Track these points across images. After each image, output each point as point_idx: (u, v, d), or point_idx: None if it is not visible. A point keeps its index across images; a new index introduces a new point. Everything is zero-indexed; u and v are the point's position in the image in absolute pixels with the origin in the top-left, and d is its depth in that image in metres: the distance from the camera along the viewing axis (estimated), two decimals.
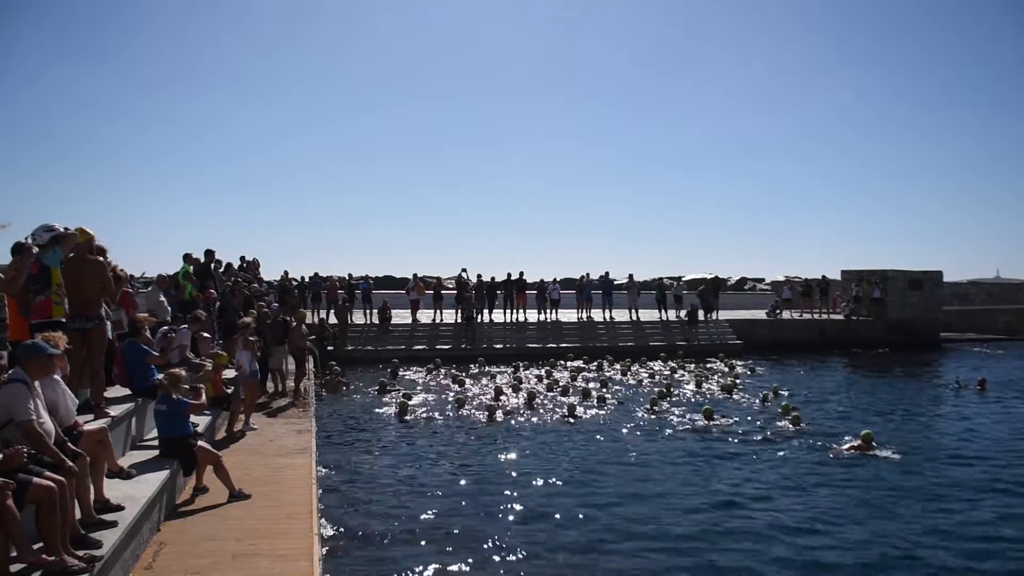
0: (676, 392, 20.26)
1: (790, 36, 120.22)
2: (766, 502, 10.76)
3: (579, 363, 25.38)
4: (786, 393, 20.01)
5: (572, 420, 16.52)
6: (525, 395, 19.16)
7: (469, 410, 17.54)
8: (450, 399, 18.80)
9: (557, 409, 17.68)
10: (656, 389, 20.29)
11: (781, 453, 13.69)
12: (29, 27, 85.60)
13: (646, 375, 23.81)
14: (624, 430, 15.63)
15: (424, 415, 17.16)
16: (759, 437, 14.97)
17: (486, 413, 16.91)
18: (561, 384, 20.88)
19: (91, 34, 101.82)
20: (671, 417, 16.92)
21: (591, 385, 21.07)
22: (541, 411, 17.60)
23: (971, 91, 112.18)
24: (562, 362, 25.68)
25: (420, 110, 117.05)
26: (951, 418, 17.64)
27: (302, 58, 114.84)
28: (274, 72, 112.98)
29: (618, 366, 25.18)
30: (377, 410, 17.84)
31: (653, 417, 16.94)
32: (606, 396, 19.16)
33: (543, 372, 23.32)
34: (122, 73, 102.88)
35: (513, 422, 16.41)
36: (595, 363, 25.83)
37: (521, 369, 24.11)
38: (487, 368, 24.61)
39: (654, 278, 46.01)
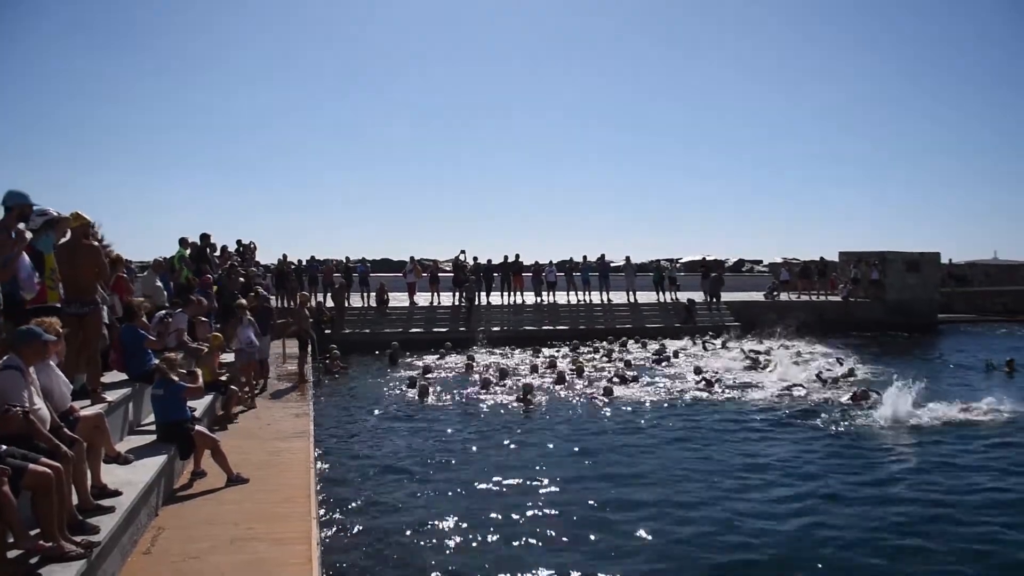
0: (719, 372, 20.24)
1: (795, 16, 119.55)
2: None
3: (604, 344, 25.74)
4: (860, 371, 20.10)
5: (607, 400, 16.49)
6: (551, 375, 19.28)
7: (478, 392, 17.55)
8: (461, 382, 18.91)
9: (586, 390, 17.71)
10: (703, 372, 19.83)
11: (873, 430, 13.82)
12: (30, 16, 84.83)
13: (668, 352, 23.78)
14: (668, 417, 15.36)
15: (436, 398, 17.13)
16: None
17: (495, 395, 17.04)
18: (581, 362, 21.02)
19: (87, 19, 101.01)
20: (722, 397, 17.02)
21: (620, 364, 21.42)
22: (569, 393, 17.59)
23: (970, 73, 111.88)
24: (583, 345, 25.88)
25: (418, 93, 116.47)
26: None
27: (298, 39, 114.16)
28: (270, 55, 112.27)
29: (633, 345, 25.58)
30: (377, 393, 17.87)
31: (698, 399, 16.90)
32: (632, 376, 19.15)
33: (570, 353, 23.49)
34: (118, 58, 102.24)
35: (523, 405, 16.30)
36: (616, 343, 26.02)
37: (543, 352, 23.97)
38: (508, 349, 24.86)
39: (651, 260, 45.98)
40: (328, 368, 20.38)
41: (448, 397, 17.17)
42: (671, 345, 25.20)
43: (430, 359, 22.87)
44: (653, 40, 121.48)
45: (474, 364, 21.47)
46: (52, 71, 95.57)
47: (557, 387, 18.16)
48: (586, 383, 18.75)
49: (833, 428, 14.07)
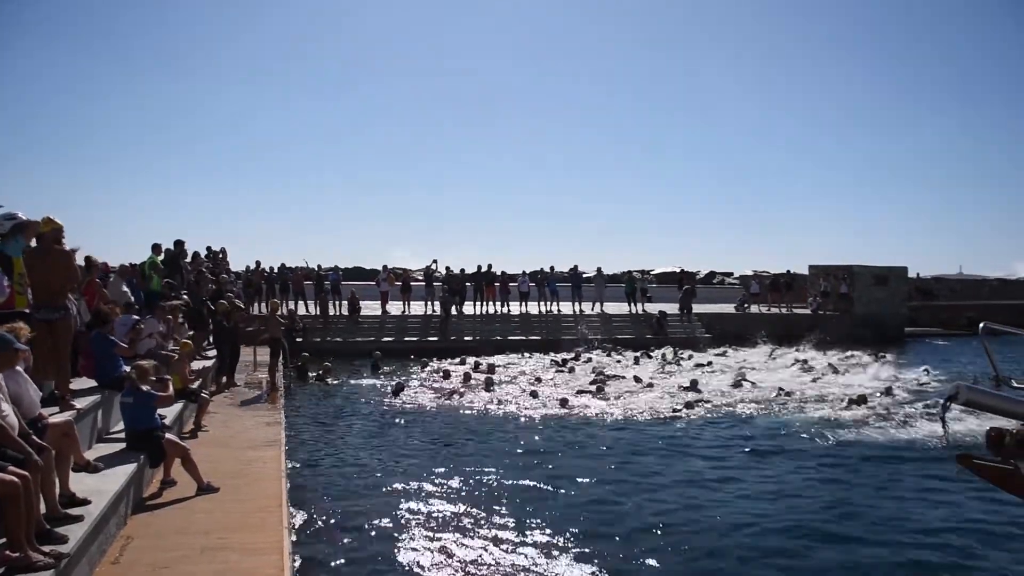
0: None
1: (769, 29, 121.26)
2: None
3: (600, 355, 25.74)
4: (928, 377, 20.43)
5: (684, 414, 16.09)
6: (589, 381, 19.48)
7: (463, 400, 17.54)
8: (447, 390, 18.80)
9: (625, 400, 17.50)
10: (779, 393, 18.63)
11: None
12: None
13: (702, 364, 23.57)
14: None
15: (412, 401, 17.05)
16: None
17: (486, 401, 17.05)
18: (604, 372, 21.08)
19: (57, 15, 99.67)
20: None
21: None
22: (609, 402, 17.35)
23: (940, 92, 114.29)
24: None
25: (390, 100, 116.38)
26: None
27: (271, 44, 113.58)
28: (243, 59, 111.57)
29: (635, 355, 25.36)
30: (352, 401, 17.76)
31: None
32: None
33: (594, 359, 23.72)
34: (94, 59, 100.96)
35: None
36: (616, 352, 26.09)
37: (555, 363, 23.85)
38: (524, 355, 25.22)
39: (623, 271, 46.25)
40: (321, 377, 20.21)
41: (431, 405, 17.03)
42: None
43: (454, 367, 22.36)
44: (627, 49, 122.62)
45: (452, 373, 21.20)
46: (20, 67, 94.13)
47: (583, 397, 17.78)
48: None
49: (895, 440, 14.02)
